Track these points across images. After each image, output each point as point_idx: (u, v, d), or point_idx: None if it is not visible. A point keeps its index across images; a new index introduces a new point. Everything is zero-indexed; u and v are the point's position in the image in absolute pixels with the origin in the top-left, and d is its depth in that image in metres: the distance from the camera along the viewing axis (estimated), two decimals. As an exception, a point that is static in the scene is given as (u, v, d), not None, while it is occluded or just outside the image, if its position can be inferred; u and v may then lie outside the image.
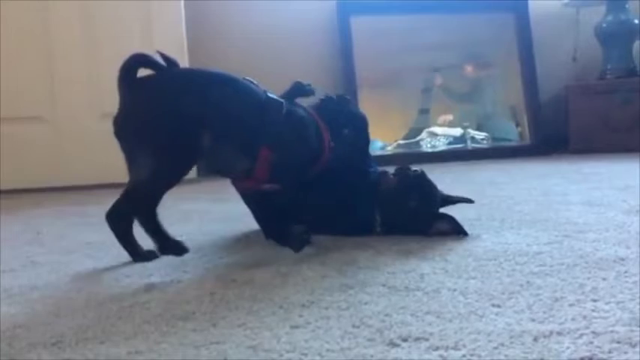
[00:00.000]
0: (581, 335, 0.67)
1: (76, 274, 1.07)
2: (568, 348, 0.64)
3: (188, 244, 1.11)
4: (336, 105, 1.29)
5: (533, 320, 0.72)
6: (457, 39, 3.06)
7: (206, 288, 0.92)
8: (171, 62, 1.11)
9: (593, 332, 0.68)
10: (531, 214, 1.37)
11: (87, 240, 1.33)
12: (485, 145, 2.94)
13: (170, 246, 1.09)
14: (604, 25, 2.86)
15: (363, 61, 2.92)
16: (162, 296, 0.90)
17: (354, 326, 0.73)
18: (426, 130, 2.97)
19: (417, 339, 0.68)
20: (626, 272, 0.90)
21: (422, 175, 1.22)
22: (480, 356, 0.63)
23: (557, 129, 2.85)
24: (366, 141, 1.34)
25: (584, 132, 2.77)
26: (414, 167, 1.24)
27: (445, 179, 1.66)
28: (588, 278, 0.88)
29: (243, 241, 1.27)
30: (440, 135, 2.95)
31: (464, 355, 0.63)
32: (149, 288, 0.95)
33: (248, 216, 1.28)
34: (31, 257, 1.21)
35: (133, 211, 1.08)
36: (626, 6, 2.87)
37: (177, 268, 1.05)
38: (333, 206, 1.24)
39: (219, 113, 1.09)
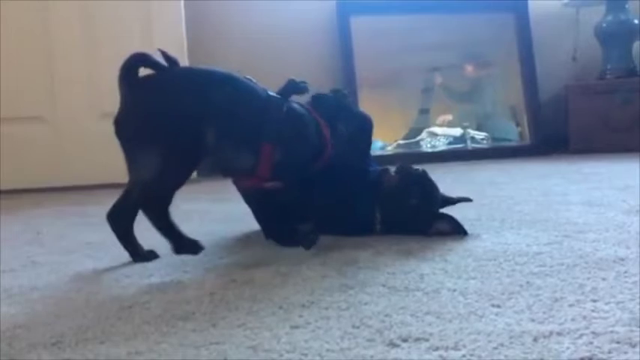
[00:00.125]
0: (581, 335, 0.67)
1: (76, 274, 1.07)
2: (568, 348, 0.64)
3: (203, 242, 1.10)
4: (332, 101, 1.29)
5: (533, 320, 0.72)
6: (457, 39, 3.06)
7: (206, 288, 0.92)
8: (172, 61, 1.11)
9: (593, 332, 0.68)
10: (531, 215, 1.37)
11: (87, 240, 1.33)
12: (485, 145, 2.94)
13: (185, 245, 1.08)
14: (604, 25, 2.86)
15: (363, 61, 2.92)
16: (162, 296, 0.89)
17: (354, 326, 0.73)
18: (426, 130, 2.97)
19: (417, 339, 0.68)
20: (626, 272, 0.90)
21: (424, 174, 1.22)
22: (479, 356, 0.63)
23: (557, 129, 2.85)
24: (368, 142, 1.34)
25: (584, 132, 2.77)
26: (416, 167, 1.24)
27: (445, 179, 1.66)
28: (588, 278, 0.88)
29: (243, 241, 1.27)
30: (440, 135, 2.95)
31: (464, 356, 0.63)
32: (149, 288, 0.95)
33: (248, 216, 1.28)
34: (31, 257, 1.21)
35: (144, 212, 1.07)
36: (626, 6, 2.86)
37: (178, 268, 1.05)
38: (332, 205, 1.24)
39: (221, 111, 1.09)
